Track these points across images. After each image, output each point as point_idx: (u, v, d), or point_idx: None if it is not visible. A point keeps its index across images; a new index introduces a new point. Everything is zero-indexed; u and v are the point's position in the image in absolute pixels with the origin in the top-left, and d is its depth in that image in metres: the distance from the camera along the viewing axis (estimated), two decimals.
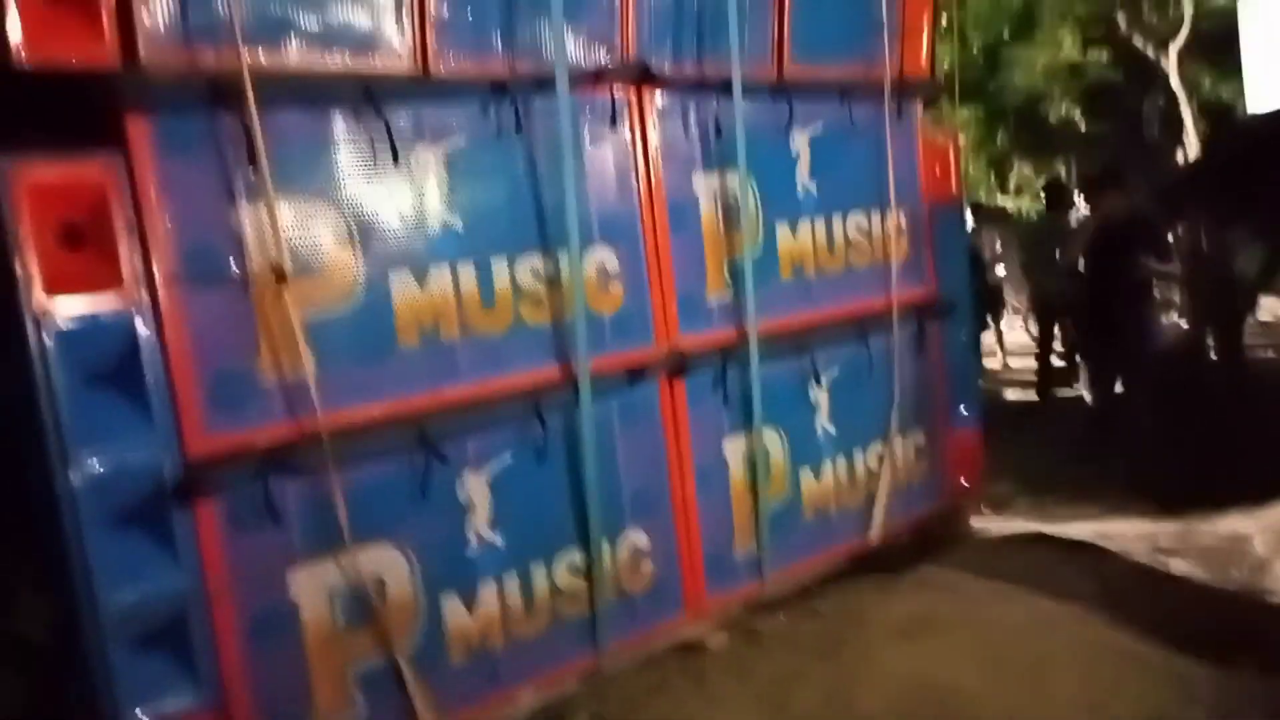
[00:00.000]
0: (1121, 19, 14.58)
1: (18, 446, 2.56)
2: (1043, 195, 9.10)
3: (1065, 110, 15.66)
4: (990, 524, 5.06)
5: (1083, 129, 15.93)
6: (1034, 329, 9.10)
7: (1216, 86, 14.61)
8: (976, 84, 14.88)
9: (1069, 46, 14.98)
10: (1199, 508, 4.90)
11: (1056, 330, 8.55)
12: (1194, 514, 4.88)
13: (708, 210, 3.79)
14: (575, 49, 3.38)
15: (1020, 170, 18.00)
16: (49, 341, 2.39)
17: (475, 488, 3.15)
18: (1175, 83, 14.27)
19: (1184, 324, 6.25)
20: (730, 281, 3.83)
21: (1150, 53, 14.49)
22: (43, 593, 2.75)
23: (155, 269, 2.56)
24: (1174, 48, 14.16)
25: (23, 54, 2.37)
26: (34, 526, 2.60)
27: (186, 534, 2.59)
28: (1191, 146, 13.53)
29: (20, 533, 2.74)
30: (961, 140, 10.89)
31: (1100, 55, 15.07)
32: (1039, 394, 8.33)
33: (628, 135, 3.54)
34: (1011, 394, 8.91)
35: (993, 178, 17.64)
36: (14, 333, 2.39)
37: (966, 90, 14.53)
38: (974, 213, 10.55)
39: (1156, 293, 5.87)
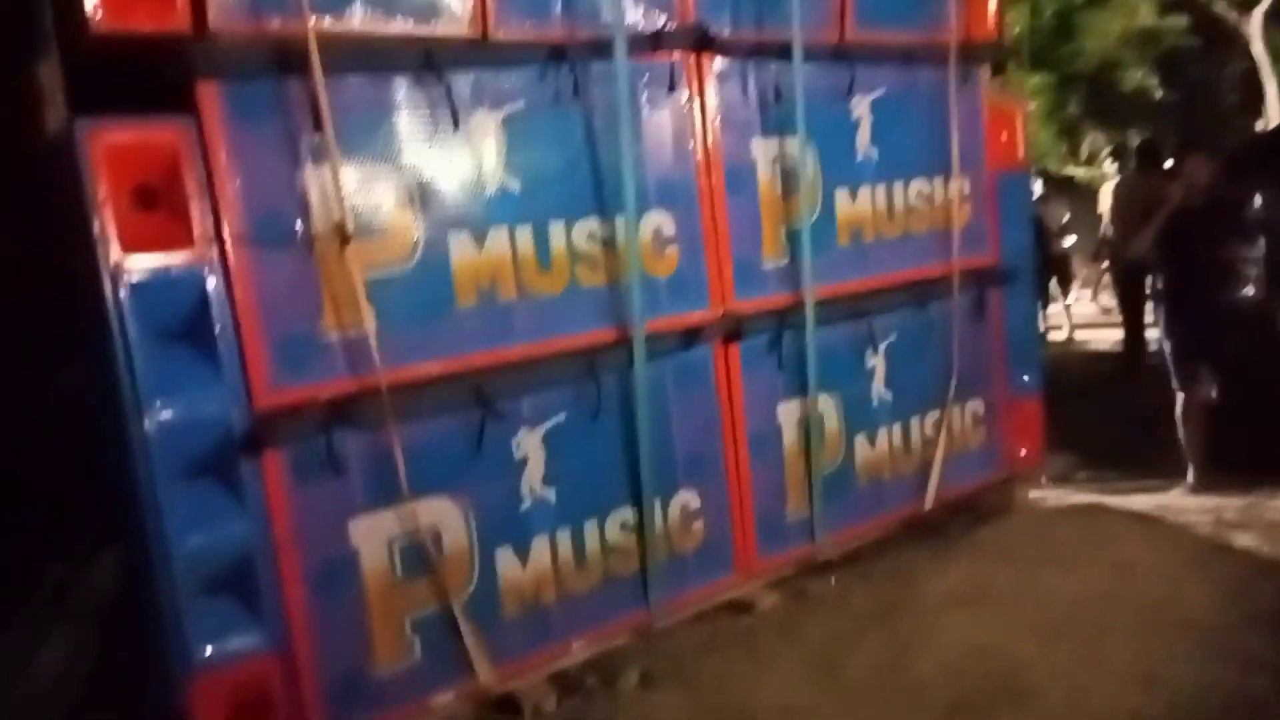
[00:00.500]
0: None
1: (92, 412, 2.68)
2: (1137, 155, 8.66)
3: (1140, 78, 15.18)
4: (1049, 494, 5.01)
5: (1158, 97, 15.43)
6: (1116, 299, 8.79)
7: None
8: (1048, 50, 14.47)
9: (1145, 12, 14.49)
10: (1266, 482, 4.80)
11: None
12: (1261, 489, 4.79)
13: (765, 175, 3.78)
14: (633, 13, 3.39)
15: (1092, 139, 17.51)
16: (124, 297, 2.48)
17: (530, 445, 3.21)
18: (1258, 49, 13.74)
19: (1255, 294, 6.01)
20: (787, 247, 3.83)
21: (1231, 19, 13.97)
22: (112, 551, 2.87)
23: (225, 229, 2.64)
24: (1258, 13, 13.62)
25: (99, 22, 2.45)
26: (107, 481, 2.73)
27: (253, 483, 2.69)
28: (1273, 115, 13.06)
29: (92, 502, 2.87)
30: (1031, 107, 10.64)
31: (1177, 21, 14.56)
32: (1127, 364, 8.08)
33: (685, 100, 3.54)
34: (1078, 366, 8.74)
35: (1064, 146, 17.18)
36: (91, 290, 2.49)
37: (1038, 56, 14.17)
38: (1042, 181, 10.28)
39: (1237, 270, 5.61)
